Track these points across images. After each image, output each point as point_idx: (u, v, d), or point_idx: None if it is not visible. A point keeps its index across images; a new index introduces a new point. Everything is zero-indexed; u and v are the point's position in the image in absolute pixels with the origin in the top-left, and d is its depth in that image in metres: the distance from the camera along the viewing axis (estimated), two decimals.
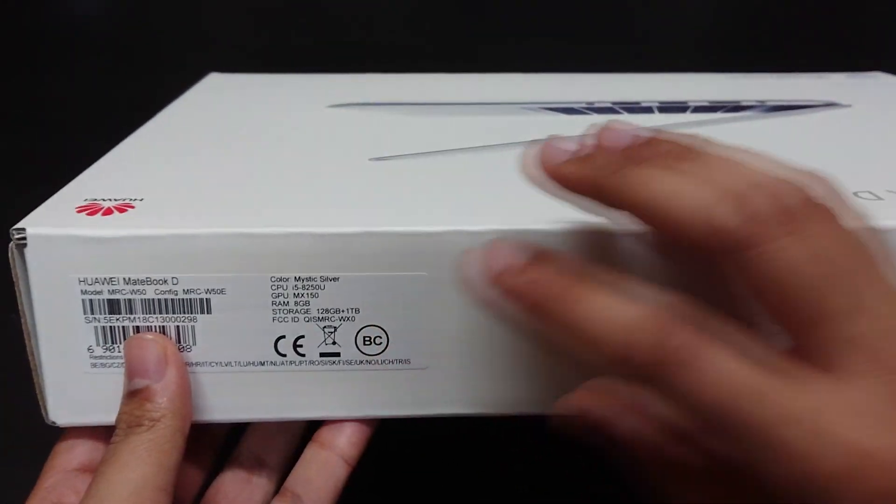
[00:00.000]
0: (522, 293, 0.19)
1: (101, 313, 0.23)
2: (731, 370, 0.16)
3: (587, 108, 0.38)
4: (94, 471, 0.25)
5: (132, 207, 0.24)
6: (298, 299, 0.23)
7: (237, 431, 0.28)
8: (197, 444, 0.27)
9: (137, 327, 0.23)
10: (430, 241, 0.23)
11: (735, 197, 0.18)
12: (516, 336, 0.24)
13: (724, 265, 0.18)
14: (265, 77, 0.45)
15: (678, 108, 0.38)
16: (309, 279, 0.23)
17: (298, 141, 0.32)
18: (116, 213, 0.24)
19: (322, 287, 0.23)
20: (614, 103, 0.39)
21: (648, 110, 0.37)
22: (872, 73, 0.47)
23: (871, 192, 0.26)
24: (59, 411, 0.24)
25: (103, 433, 0.25)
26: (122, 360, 0.24)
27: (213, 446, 0.27)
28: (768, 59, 0.51)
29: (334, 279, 0.23)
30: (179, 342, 0.24)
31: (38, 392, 0.24)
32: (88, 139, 0.28)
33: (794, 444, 0.16)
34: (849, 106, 0.39)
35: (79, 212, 0.24)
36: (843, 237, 0.17)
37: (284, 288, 0.23)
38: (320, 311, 0.24)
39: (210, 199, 0.25)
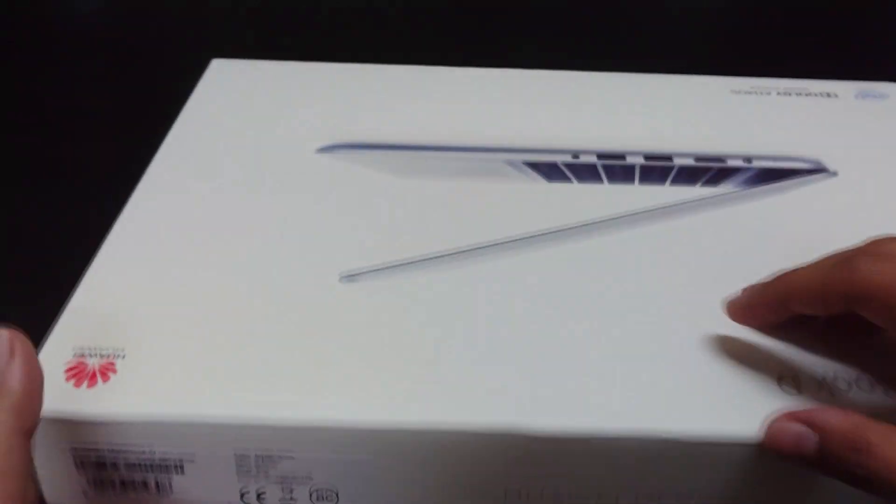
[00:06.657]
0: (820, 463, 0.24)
1: (90, 471, 0.27)
2: None
3: (568, 167, 0.38)
4: None
5: (114, 372, 0.27)
6: (259, 468, 0.27)
7: None
8: None
9: (122, 480, 0.27)
10: (371, 434, 0.26)
11: None
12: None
13: None
14: (268, 65, 0.45)
15: (661, 170, 0.38)
16: (268, 456, 0.27)
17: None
18: (100, 380, 0.27)
19: (279, 461, 0.27)
20: (599, 156, 0.39)
21: (630, 171, 0.38)
22: (883, 87, 0.45)
23: None
24: None
25: None
26: None
27: None
28: (771, 63, 0.48)
29: (290, 457, 0.27)
30: (158, 491, 0.28)
31: None
32: (87, 134, 0.29)
33: None
34: (835, 174, 0.38)
35: (67, 379, 0.27)
36: None
37: (246, 459, 0.27)
38: (278, 477, 0.27)
39: (186, 370, 0.27)
